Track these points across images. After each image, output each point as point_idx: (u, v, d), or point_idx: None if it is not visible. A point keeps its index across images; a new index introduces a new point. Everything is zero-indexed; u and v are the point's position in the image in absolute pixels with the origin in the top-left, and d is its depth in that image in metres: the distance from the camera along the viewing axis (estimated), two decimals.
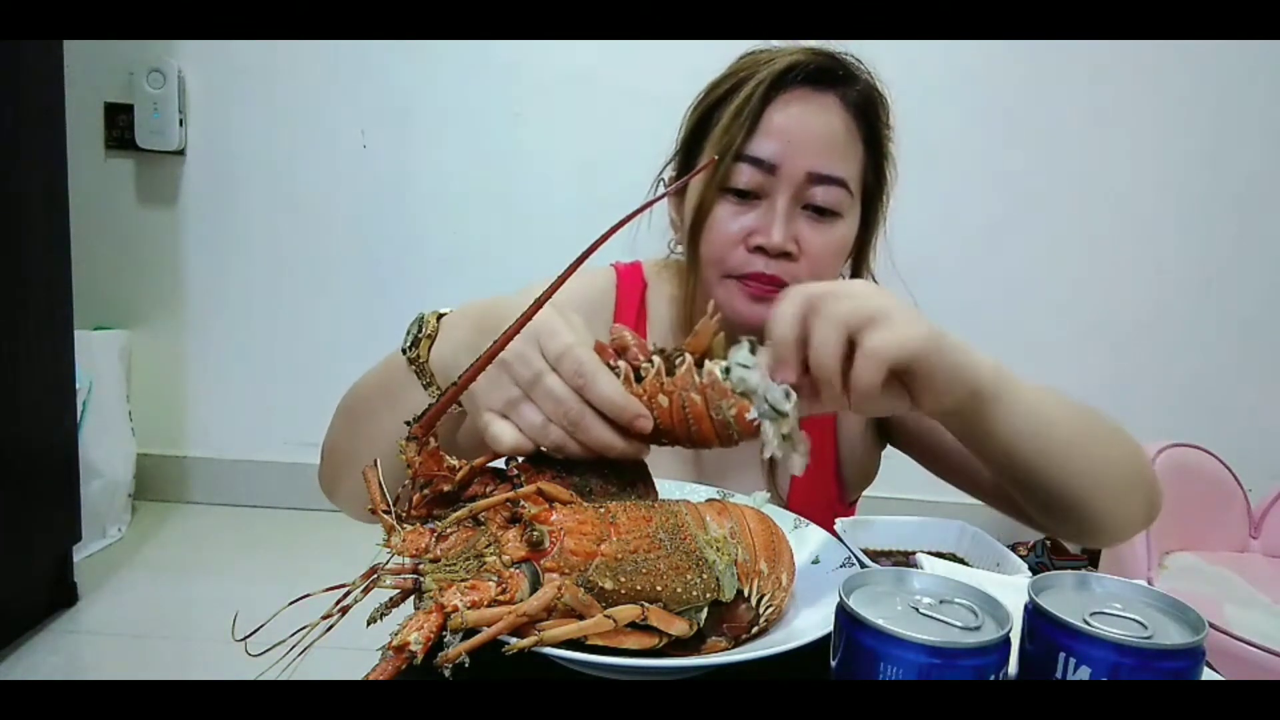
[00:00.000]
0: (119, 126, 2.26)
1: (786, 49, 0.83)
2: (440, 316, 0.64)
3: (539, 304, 0.49)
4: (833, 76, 0.82)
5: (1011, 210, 2.32)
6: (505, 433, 0.53)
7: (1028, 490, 0.71)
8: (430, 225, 2.33)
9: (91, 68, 2.18)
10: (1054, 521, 0.74)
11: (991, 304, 2.33)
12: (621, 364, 0.53)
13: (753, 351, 0.54)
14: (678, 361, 0.53)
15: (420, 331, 0.63)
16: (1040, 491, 0.70)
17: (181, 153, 2.29)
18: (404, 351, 0.64)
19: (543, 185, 2.30)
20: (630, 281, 0.95)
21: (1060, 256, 2.34)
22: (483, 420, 0.54)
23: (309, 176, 2.31)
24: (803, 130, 0.80)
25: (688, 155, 0.88)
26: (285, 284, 2.37)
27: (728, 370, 0.53)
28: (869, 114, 0.84)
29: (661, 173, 0.93)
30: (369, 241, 2.34)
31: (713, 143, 0.82)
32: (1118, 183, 2.30)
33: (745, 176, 0.80)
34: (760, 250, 0.80)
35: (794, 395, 0.53)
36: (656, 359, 0.54)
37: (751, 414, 0.52)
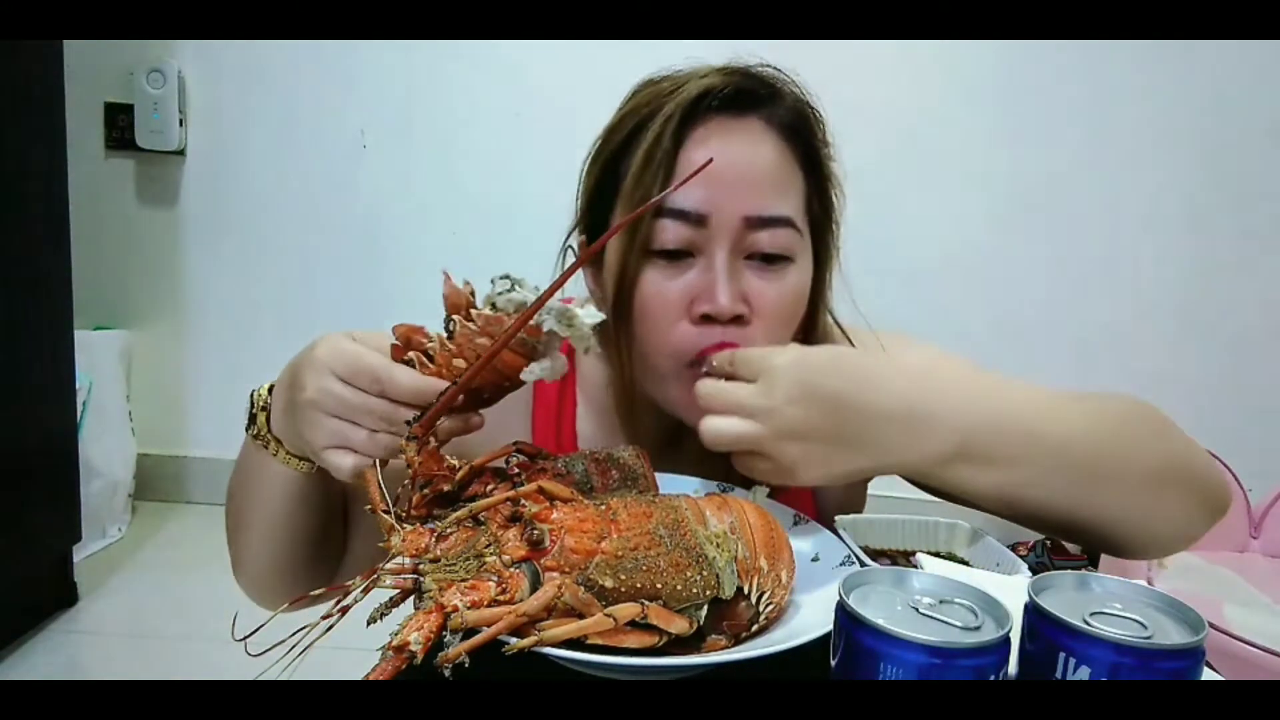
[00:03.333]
0: (119, 126, 2.26)
1: (693, 72, 0.72)
2: (270, 388, 0.66)
3: (525, 318, 0.52)
4: (752, 98, 0.70)
5: (1008, 211, 2.31)
6: (343, 460, 0.56)
7: (1041, 529, 0.68)
8: (430, 226, 2.33)
9: (91, 68, 2.18)
10: (1082, 544, 0.72)
11: (988, 305, 2.33)
12: (411, 354, 0.56)
13: (504, 277, 0.56)
14: (451, 327, 0.57)
15: (254, 407, 0.67)
16: (1057, 530, 0.67)
17: (181, 153, 2.29)
18: (247, 431, 0.67)
19: (543, 185, 2.29)
20: None
21: (1058, 257, 2.33)
22: (323, 461, 0.57)
23: (309, 176, 2.31)
24: (728, 168, 0.67)
25: (594, 218, 0.76)
26: (285, 284, 2.36)
27: (494, 305, 0.56)
28: (801, 133, 0.72)
29: (566, 241, 0.81)
30: (369, 242, 2.34)
31: (625, 199, 0.70)
32: (1116, 183, 2.29)
33: (671, 234, 0.68)
34: (707, 319, 0.68)
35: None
36: (435, 334, 0.57)
37: (534, 319, 0.54)
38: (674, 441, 0.78)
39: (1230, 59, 2.21)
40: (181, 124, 2.26)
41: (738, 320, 0.68)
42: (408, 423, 0.52)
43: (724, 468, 0.83)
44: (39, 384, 1.70)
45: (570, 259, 0.80)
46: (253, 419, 0.67)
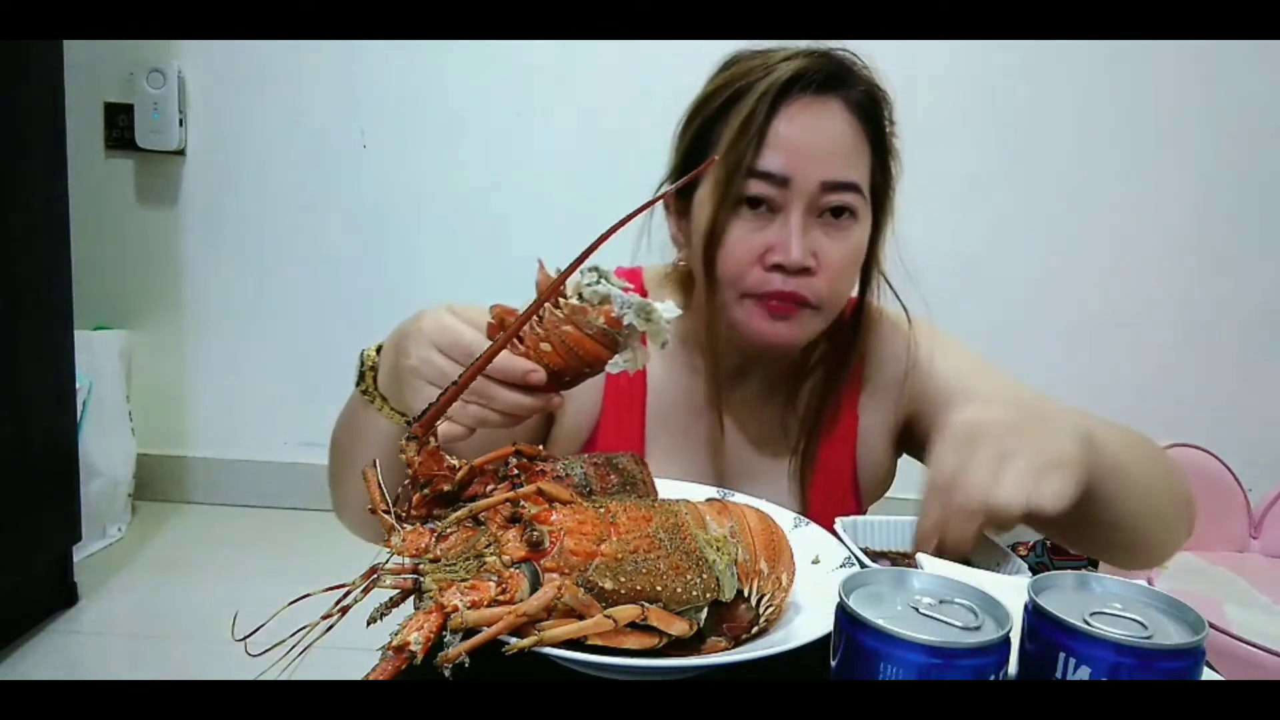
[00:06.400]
0: (119, 126, 2.26)
1: (781, 53, 0.82)
2: (379, 349, 0.73)
3: (531, 311, 0.54)
4: (835, 81, 0.81)
5: (1009, 211, 2.31)
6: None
7: (1083, 540, 0.76)
8: (430, 225, 2.33)
9: (91, 68, 2.18)
10: (1101, 555, 0.78)
11: (990, 304, 2.32)
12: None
13: (593, 269, 0.59)
14: (542, 312, 0.59)
15: (363, 366, 0.74)
16: (1101, 541, 0.75)
17: (181, 153, 2.29)
18: (356, 386, 0.74)
19: (543, 185, 2.30)
20: None
21: (1059, 256, 2.33)
22: None
23: (309, 176, 2.31)
24: (811, 140, 0.79)
25: (686, 174, 0.86)
26: (285, 284, 2.36)
27: (580, 295, 0.58)
28: (873, 115, 0.83)
29: (659, 189, 0.90)
30: (369, 241, 2.34)
31: (721, 159, 0.81)
32: (1117, 183, 2.29)
33: (756, 190, 0.80)
34: (778, 268, 0.79)
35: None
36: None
37: (616, 311, 0.57)
38: (742, 374, 0.91)
39: (1232, 59, 2.21)
40: (181, 124, 2.26)
41: (805, 271, 0.80)
42: (408, 422, 0.53)
43: (783, 398, 0.94)
44: (39, 384, 1.70)
45: (660, 202, 0.91)
46: (361, 376, 0.74)
